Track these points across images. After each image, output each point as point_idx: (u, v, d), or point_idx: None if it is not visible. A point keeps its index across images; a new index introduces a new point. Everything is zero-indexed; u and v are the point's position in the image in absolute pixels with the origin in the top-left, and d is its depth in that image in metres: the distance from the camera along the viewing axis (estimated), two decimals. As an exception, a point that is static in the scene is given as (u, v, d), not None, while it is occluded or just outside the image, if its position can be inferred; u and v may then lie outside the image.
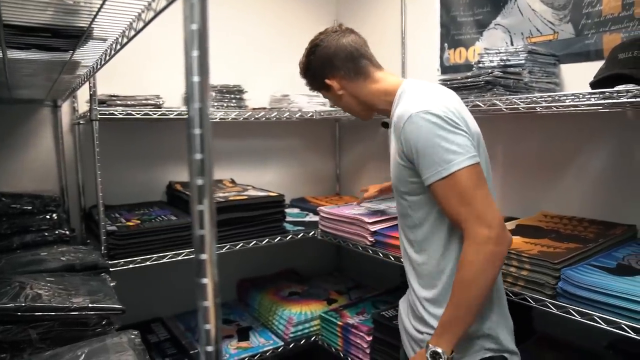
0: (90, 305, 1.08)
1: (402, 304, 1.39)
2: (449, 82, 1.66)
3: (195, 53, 0.46)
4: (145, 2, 0.66)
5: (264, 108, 2.27)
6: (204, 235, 0.48)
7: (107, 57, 1.04)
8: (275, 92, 2.41)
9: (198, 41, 0.46)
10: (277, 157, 2.59)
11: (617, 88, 1.15)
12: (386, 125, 1.32)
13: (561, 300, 1.22)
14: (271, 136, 2.56)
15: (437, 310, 1.17)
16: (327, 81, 1.29)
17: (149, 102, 1.87)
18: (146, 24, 0.71)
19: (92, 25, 0.80)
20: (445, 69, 2.11)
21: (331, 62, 1.27)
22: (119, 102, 1.81)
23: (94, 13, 0.72)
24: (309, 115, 2.26)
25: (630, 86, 1.12)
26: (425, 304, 1.20)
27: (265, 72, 2.49)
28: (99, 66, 1.17)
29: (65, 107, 2.03)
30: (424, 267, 1.21)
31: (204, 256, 0.48)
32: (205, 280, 0.49)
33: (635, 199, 1.54)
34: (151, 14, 0.67)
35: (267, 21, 2.50)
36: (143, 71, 2.12)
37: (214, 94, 2.10)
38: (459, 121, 1.09)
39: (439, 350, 1.06)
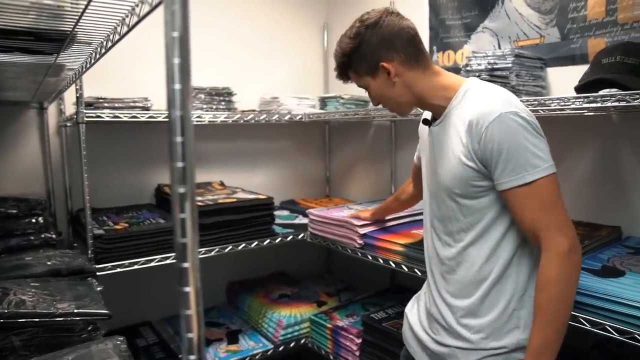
0: (75, 310, 1.06)
1: (412, 314, 1.31)
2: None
3: (176, 60, 0.45)
4: (129, 7, 0.65)
5: (254, 110, 2.27)
6: (186, 243, 0.48)
7: (93, 61, 1.03)
8: (265, 94, 2.40)
9: (179, 48, 0.45)
10: (266, 160, 2.59)
11: (601, 92, 1.16)
12: (428, 122, 1.21)
13: (547, 302, 1.23)
14: (261, 138, 2.55)
15: (471, 321, 1.12)
16: (385, 64, 1.11)
17: (137, 104, 1.86)
18: (130, 29, 0.71)
19: (76, 29, 0.79)
20: (433, 71, 2.12)
21: (392, 43, 1.11)
22: (106, 104, 1.79)
23: (77, 17, 0.72)
24: (298, 118, 2.26)
25: (614, 91, 1.14)
26: (458, 314, 1.13)
27: (255, 75, 2.49)
28: (84, 69, 1.16)
29: (52, 109, 2.01)
30: (460, 274, 1.14)
31: (186, 264, 0.48)
32: (187, 289, 0.49)
33: (620, 200, 1.55)
34: (135, 18, 0.67)
35: (257, 24, 2.49)
36: (133, 73, 2.11)
37: (202, 96, 2.09)
38: (541, 130, 1.05)
39: None
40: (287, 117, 2.23)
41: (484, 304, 1.11)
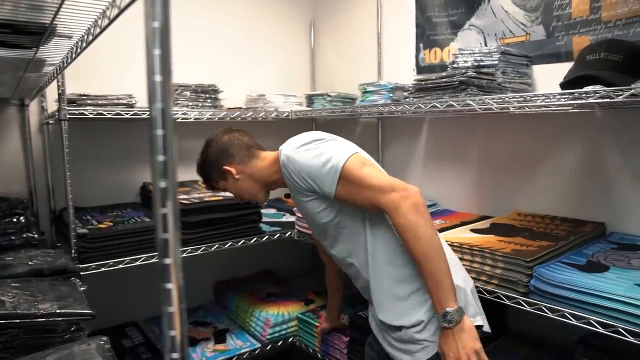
0: (58, 311, 1.04)
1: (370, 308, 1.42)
2: (423, 82, 1.67)
3: (157, 52, 0.44)
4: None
5: (240, 108, 2.25)
6: (168, 239, 0.46)
7: (74, 55, 1.01)
8: (251, 91, 2.39)
9: (160, 39, 0.44)
10: (253, 157, 2.57)
11: (585, 89, 1.17)
12: (288, 195, 1.44)
13: (533, 297, 1.24)
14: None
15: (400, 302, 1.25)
16: (226, 167, 1.44)
17: (121, 101, 1.83)
18: (111, 21, 0.69)
19: (55, 22, 0.77)
20: (420, 69, 2.13)
21: (227, 151, 1.45)
22: (89, 101, 1.76)
23: (56, 9, 0.70)
24: (284, 115, 2.25)
25: (597, 87, 1.15)
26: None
27: (241, 72, 2.47)
28: (66, 64, 1.13)
29: (33, 106, 1.97)
30: (367, 277, 1.30)
31: (168, 260, 0.47)
32: (170, 285, 0.48)
33: (604, 196, 1.57)
34: (116, 11, 0.65)
35: (243, 21, 2.47)
36: (117, 70, 2.08)
37: (188, 93, 2.06)
38: (325, 136, 1.28)
39: (447, 309, 1.09)
40: (273, 115, 2.22)
41: (396, 285, 1.25)
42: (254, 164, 1.45)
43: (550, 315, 1.19)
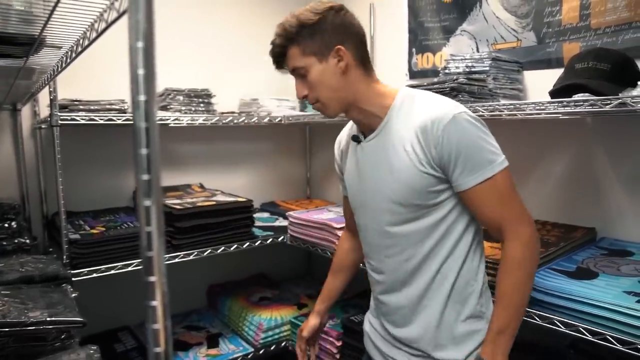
0: (48, 319, 1.04)
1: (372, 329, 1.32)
2: (415, 88, 1.67)
3: (141, 71, 0.44)
4: (97, 13, 0.64)
5: (233, 112, 2.25)
6: (152, 257, 0.47)
7: (64, 64, 1.01)
8: (245, 96, 2.39)
9: (144, 59, 0.44)
10: (246, 161, 2.57)
11: (574, 97, 1.18)
12: (357, 139, 1.17)
13: (523, 304, 1.24)
14: (241, 140, 2.53)
15: (476, 324, 1.13)
16: (342, 48, 1.06)
17: (114, 107, 1.82)
18: (99, 34, 0.69)
19: (44, 34, 0.77)
20: (413, 74, 2.14)
21: (350, 32, 1.09)
22: (81, 107, 1.75)
23: (44, 21, 0.70)
24: (277, 120, 2.25)
25: (586, 96, 1.16)
26: (463, 322, 1.12)
27: (235, 76, 2.46)
28: (56, 72, 1.13)
29: (25, 111, 1.96)
30: (449, 282, 1.12)
31: (152, 278, 0.47)
32: (154, 303, 0.48)
33: (594, 202, 1.58)
34: (104, 24, 0.65)
35: (236, 25, 2.47)
36: (109, 76, 2.06)
37: (181, 97, 2.06)
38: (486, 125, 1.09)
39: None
40: (266, 119, 2.22)
41: (480, 304, 1.14)
42: (363, 74, 1.11)
43: (540, 322, 1.19)
